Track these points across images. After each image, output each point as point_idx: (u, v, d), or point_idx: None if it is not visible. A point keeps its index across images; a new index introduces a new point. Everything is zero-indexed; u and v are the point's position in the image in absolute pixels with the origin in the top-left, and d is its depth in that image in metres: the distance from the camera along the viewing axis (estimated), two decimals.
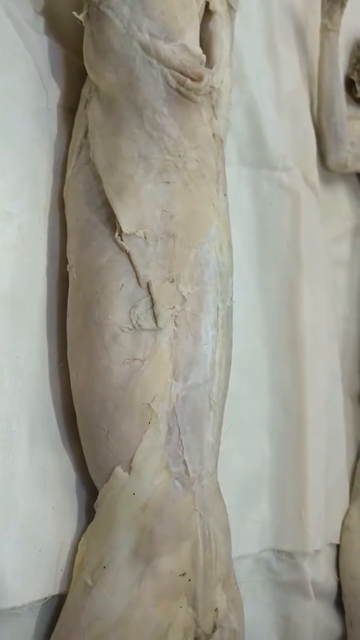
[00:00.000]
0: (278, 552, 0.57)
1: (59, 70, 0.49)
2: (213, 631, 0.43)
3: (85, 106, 0.46)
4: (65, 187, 0.46)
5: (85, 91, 0.47)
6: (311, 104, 0.69)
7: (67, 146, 0.48)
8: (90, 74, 0.45)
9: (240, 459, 0.56)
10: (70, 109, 0.49)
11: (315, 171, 0.66)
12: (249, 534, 0.55)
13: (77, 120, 0.47)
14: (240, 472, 0.55)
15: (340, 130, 0.68)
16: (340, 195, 0.73)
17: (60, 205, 0.47)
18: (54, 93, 0.49)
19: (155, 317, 0.42)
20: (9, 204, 0.44)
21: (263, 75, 0.63)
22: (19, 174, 0.45)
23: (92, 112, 0.45)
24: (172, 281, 0.42)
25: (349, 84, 0.74)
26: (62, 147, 0.48)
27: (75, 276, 0.44)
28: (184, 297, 0.42)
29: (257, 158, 0.61)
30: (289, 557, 0.57)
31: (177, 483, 0.42)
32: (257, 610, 0.55)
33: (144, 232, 0.42)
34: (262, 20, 0.64)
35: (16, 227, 0.45)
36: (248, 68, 0.61)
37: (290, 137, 0.64)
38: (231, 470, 0.53)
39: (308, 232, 0.62)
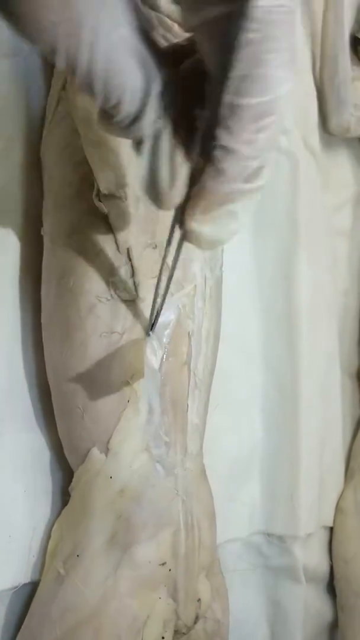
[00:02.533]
0: (268, 536, 0.54)
1: None
2: (195, 622, 0.40)
3: None
4: (42, 144, 0.43)
5: None
6: (313, 65, 0.65)
7: (45, 99, 0.44)
8: None
9: (231, 438, 0.53)
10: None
11: (315, 135, 0.62)
12: (238, 517, 0.52)
13: (56, 71, 0.43)
14: (230, 453, 0.52)
15: (343, 91, 0.64)
16: (342, 162, 0.69)
17: (37, 163, 0.43)
18: None
19: (135, 287, 0.38)
20: None
21: None
22: None
23: None
24: (155, 247, 0.39)
25: (355, 43, 0.70)
26: (40, 101, 0.44)
27: (49, 240, 0.40)
28: (167, 264, 0.39)
29: None
30: (279, 540, 0.54)
31: (158, 466, 0.39)
32: (245, 596, 0.53)
33: (124, 192, 0.38)
34: None
35: None
36: None
37: (289, 98, 0.59)
38: (221, 450, 0.51)
39: (306, 199, 0.58)
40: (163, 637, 0.38)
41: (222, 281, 0.44)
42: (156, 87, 0.26)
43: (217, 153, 0.26)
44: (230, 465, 0.52)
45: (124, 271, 0.38)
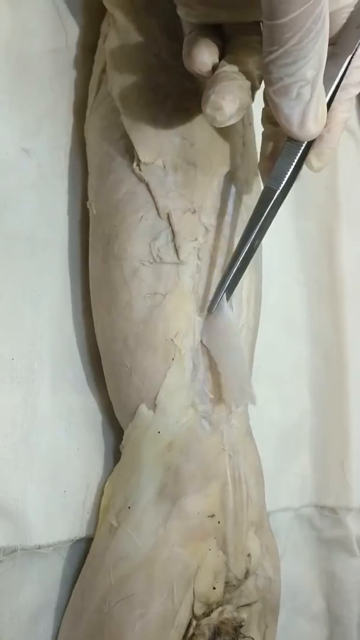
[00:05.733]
0: (321, 508, 0.55)
1: (78, 9, 0.48)
2: (245, 577, 0.41)
3: (104, 41, 0.45)
4: (85, 125, 0.45)
5: (104, 26, 0.46)
6: None
7: (87, 85, 0.47)
8: (106, 4, 0.44)
9: (279, 410, 0.53)
10: (89, 47, 0.48)
11: (353, 114, 0.62)
12: (289, 487, 0.53)
13: (97, 56, 0.46)
14: (279, 424, 0.53)
15: None
16: None
17: (81, 144, 0.46)
18: (73, 32, 0.48)
19: (176, 250, 0.40)
20: (28, 142, 0.44)
21: None
22: (37, 112, 0.45)
23: (109, 45, 0.44)
24: (194, 212, 0.40)
25: None
26: (82, 86, 0.47)
27: (94, 212, 0.42)
28: (206, 228, 0.40)
29: None
30: (332, 512, 0.54)
31: (203, 422, 0.40)
32: (299, 567, 0.53)
33: (162, 160, 0.40)
34: None
35: (36, 165, 0.44)
36: None
37: None
38: (269, 422, 0.52)
39: (346, 175, 0.59)
40: (214, 588, 0.39)
41: (261, 247, 0.45)
42: None
43: None
44: (279, 436, 0.53)
45: (164, 235, 0.40)
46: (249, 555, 0.41)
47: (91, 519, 0.42)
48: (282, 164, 0.36)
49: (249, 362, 0.43)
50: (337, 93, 0.35)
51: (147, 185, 0.40)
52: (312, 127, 0.33)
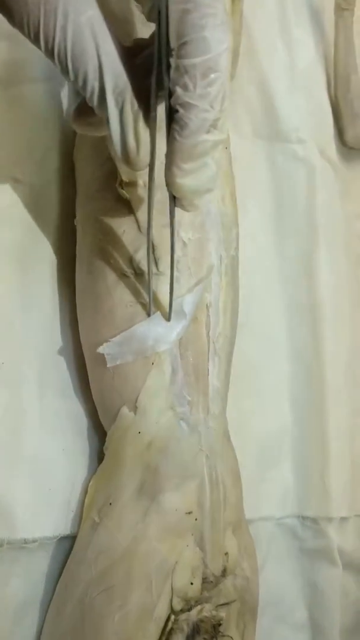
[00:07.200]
0: (302, 519, 0.56)
1: None
2: (223, 575, 0.42)
3: None
4: (74, 149, 0.49)
5: None
6: (328, 83, 0.70)
7: None
8: None
9: (260, 423, 0.55)
10: None
11: (332, 146, 0.66)
12: (270, 496, 0.55)
13: None
14: (260, 436, 0.55)
15: (357, 105, 0.68)
16: None
17: (70, 167, 0.49)
18: None
19: (156, 262, 0.43)
20: (20, 164, 0.47)
21: (276, 53, 0.64)
22: (29, 138, 0.48)
23: None
24: None
25: None
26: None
27: (81, 227, 0.46)
28: (184, 242, 0.43)
29: (270, 131, 0.62)
30: (313, 523, 0.56)
31: (182, 423, 0.42)
32: (281, 576, 0.55)
33: (143, 180, 0.43)
34: (275, 3, 0.65)
35: (28, 187, 0.47)
36: (260, 46, 0.62)
37: (304, 111, 0.64)
38: (251, 433, 0.53)
39: (324, 202, 0.62)
40: (192, 583, 0.41)
41: (238, 261, 0.48)
42: (109, 62, 0.30)
43: (179, 110, 0.30)
44: (261, 448, 0.55)
45: (145, 248, 0.43)
46: (226, 553, 0.43)
47: (76, 517, 0.44)
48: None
49: (226, 371, 0.45)
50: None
51: (128, 202, 0.43)
52: (122, 158, 0.33)
